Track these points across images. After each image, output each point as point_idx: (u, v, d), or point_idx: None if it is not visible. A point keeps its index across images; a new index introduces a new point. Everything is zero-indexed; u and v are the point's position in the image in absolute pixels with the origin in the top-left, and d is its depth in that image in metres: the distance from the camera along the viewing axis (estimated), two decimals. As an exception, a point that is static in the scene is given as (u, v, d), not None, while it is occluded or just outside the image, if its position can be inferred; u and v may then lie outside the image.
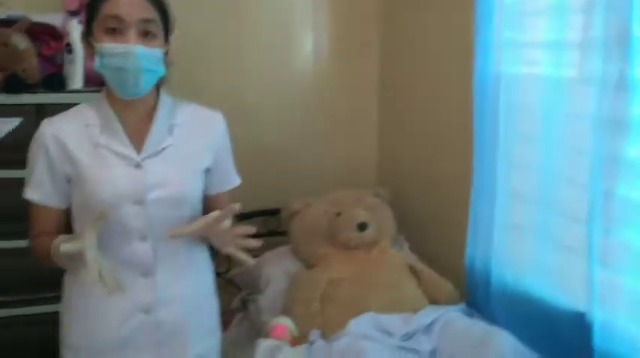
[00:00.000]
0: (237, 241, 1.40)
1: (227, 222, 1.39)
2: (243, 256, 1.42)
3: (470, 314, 2.09)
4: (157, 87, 1.52)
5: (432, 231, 2.55)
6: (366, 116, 2.98)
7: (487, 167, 2.02)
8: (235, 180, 1.66)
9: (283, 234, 2.56)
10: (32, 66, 2.05)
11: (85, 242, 1.28)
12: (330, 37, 2.87)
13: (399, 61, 2.80)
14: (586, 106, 1.64)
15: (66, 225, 1.53)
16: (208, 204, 1.60)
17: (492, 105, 1.97)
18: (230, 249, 1.41)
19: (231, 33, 2.69)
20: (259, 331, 2.15)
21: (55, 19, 2.18)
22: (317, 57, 2.87)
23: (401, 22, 2.76)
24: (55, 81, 2.11)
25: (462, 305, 2.14)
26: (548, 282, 1.84)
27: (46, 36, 2.20)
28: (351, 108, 2.94)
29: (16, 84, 2.02)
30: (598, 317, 1.64)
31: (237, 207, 1.36)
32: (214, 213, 1.39)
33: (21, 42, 2.04)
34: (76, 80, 2.14)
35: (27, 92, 2.05)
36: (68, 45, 2.12)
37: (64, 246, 1.30)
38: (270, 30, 2.76)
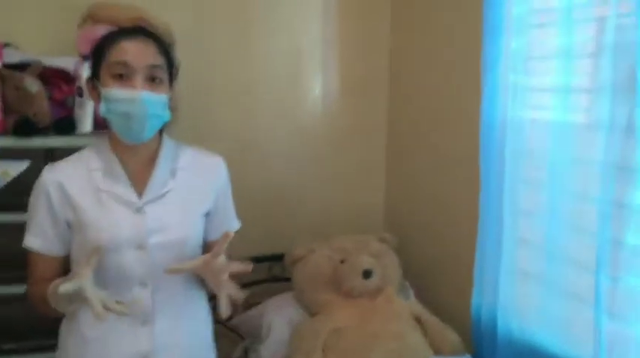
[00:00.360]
0: (227, 285, 1.37)
1: (222, 259, 1.37)
2: (225, 303, 1.37)
3: (475, 365, 2.05)
4: (160, 130, 1.53)
5: (438, 279, 2.52)
6: (374, 161, 2.98)
7: (493, 213, 2.00)
8: (235, 225, 1.66)
9: (288, 280, 2.53)
10: (43, 109, 2.07)
11: (82, 279, 1.28)
12: (339, 79, 2.89)
13: (407, 104, 2.81)
14: (593, 152, 1.63)
15: (65, 271, 1.51)
16: (208, 250, 1.59)
17: (498, 150, 1.97)
18: (221, 293, 1.38)
19: (239, 76, 2.71)
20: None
21: (67, 63, 2.21)
22: (325, 100, 2.88)
23: (409, 65, 2.78)
24: (66, 124, 2.12)
25: (466, 356, 2.09)
26: (555, 332, 1.81)
27: (57, 79, 2.23)
28: (358, 153, 2.95)
29: (26, 127, 2.04)
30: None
31: (231, 233, 1.35)
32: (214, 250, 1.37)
33: (33, 85, 2.07)
34: (86, 124, 2.15)
35: (37, 135, 2.06)
36: (79, 88, 2.14)
37: (63, 286, 1.29)
38: (278, 73, 2.78)
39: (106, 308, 1.28)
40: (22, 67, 2.12)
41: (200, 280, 1.52)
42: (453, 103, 2.42)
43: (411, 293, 2.47)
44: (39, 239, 1.48)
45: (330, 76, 2.88)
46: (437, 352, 2.14)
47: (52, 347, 1.57)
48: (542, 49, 1.85)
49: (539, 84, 1.87)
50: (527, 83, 1.90)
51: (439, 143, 2.53)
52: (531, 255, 1.89)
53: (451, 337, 2.18)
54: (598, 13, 1.63)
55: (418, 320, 2.22)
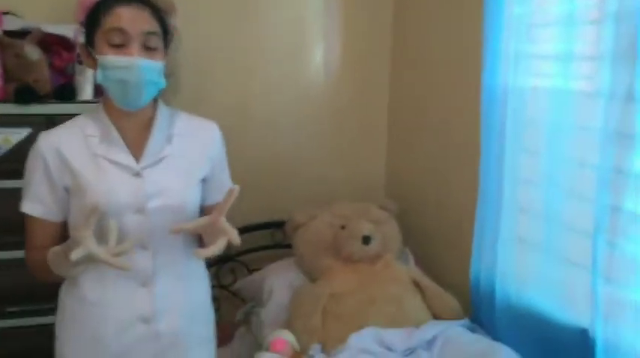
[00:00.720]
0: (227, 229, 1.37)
1: (223, 221, 1.36)
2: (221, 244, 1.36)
3: (473, 330, 2.07)
4: (155, 97, 1.53)
5: (438, 247, 2.54)
6: (375, 131, 2.98)
7: (493, 181, 2.01)
8: None
9: (290, 246, 2.55)
10: (44, 77, 2.08)
11: (88, 244, 1.28)
12: (341, 49, 2.88)
13: (409, 73, 2.80)
14: (593, 119, 1.63)
15: (62, 237, 1.52)
16: (206, 213, 1.60)
17: (499, 119, 1.96)
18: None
19: (240, 44, 2.70)
20: (261, 344, 2.15)
21: (67, 30, 2.20)
22: (327, 69, 2.87)
23: (411, 34, 2.77)
24: (66, 91, 2.13)
25: (465, 321, 2.12)
26: (553, 298, 1.83)
27: (58, 47, 2.23)
28: (360, 121, 2.95)
29: (27, 94, 2.05)
30: (602, 332, 1.61)
31: (237, 189, 1.34)
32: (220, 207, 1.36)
33: (33, 53, 2.07)
34: (87, 91, 2.17)
35: (37, 102, 2.07)
36: (79, 56, 2.14)
37: (75, 253, 1.28)
38: (279, 42, 2.77)
39: (121, 259, 1.31)
40: (22, 34, 2.13)
41: (199, 241, 1.53)
42: (455, 73, 2.40)
43: (411, 259, 2.49)
44: (37, 205, 1.48)
45: (332, 45, 2.86)
46: (436, 316, 2.16)
47: (52, 311, 1.59)
48: (544, 16, 1.83)
49: (541, 51, 1.85)
50: (528, 51, 1.88)
51: (441, 112, 2.52)
52: (530, 221, 1.90)
53: (450, 301, 2.20)
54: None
55: (417, 285, 2.24)
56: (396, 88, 2.91)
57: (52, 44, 2.22)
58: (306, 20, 2.81)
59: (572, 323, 1.75)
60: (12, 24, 2.17)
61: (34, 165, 1.48)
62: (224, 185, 1.62)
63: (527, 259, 1.91)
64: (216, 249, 1.34)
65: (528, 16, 1.87)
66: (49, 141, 1.48)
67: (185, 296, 1.56)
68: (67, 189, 1.48)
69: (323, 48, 2.86)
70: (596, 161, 1.62)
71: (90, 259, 1.30)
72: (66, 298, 1.55)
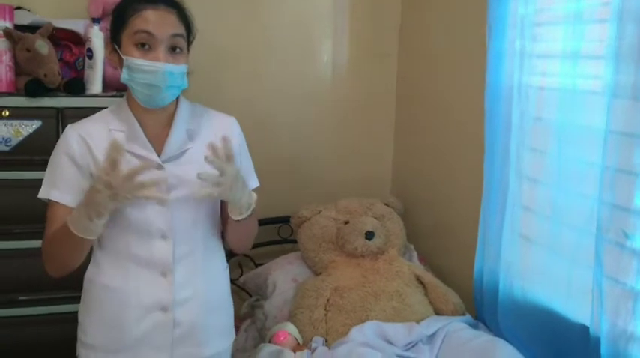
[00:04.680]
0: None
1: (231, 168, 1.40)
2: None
3: (475, 326, 2.09)
4: None
5: (442, 243, 2.56)
6: (382, 130, 3.00)
7: (498, 178, 2.01)
8: (253, 183, 1.67)
9: (296, 241, 2.57)
10: (54, 71, 2.11)
11: (119, 189, 1.31)
12: (348, 48, 2.89)
13: (416, 72, 2.81)
14: (598, 118, 1.63)
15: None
16: (225, 212, 1.63)
17: (504, 117, 1.97)
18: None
19: (248, 42, 2.73)
20: (265, 337, 2.17)
21: (77, 26, 2.24)
22: (335, 67, 2.89)
23: (418, 33, 2.78)
24: (76, 85, 2.16)
25: (467, 317, 2.13)
26: (556, 294, 1.83)
27: (68, 42, 2.26)
28: (367, 120, 2.96)
29: (37, 88, 2.08)
30: (606, 328, 1.62)
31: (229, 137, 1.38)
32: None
33: (44, 47, 2.10)
34: (96, 85, 2.20)
35: (48, 96, 2.11)
36: (89, 51, 2.17)
37: (113, 204, 1.33)
38: (287, 40, 2.79)
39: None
40: (33, 29, 2.16)
41: (219, 234, 1.58)
42: (462, 71, 2.41)
43: (415, 255, 2.50)
44: (66, 194, 1.48)
45: (340, 44, 2.88)
46: (438, 312, 2.18)
47: (64, 300, 1.60)
48: (549, 14, 1.84)
49: (545, 50, 1.86)
50: (533, 49, 1.88)
51: (447, 110, 2.53)
52: (534, 218, 1.91)
53: (452, 297, 2.22)
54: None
55: (420, 281, 2.26)
56: (403, 87, 2.93)
57: (63, 39, 2.25)
58: (314, 20, 2.83)
59: (576, 319, 1.75)
60: (23, 18, 2.20)
61: (61, 155, 1.50)
62: (245, 178, 1.63)
63: (531, 256, 1.92)
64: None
65: (532, 15, 1.88)
66: (75, 131, 1.50)
67: (204, 287, 1.58)
68: (92, 176, 1.49)
69: (331, 47, 2.88)
70: (600, 159, 1.63)
71: (119, 198, 1.32)
72: (89, 286, 1.58)
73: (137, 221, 1.49)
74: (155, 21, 1.42)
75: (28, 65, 2.10)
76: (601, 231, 1.62)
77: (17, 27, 2.15)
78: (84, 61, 2.23)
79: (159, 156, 1.51)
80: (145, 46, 1.42)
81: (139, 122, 1.52)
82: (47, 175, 1.52)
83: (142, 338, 1.52)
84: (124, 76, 1.45)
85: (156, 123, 1.53)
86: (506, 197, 1.98)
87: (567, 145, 1.77)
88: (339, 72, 2.90)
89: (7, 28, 2.08)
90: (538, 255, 1.89)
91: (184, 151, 1.54)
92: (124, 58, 1.44)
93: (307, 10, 2.81)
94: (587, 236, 1.69)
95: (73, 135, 1.50)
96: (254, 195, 1.53)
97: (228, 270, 1.71)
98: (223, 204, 1.61)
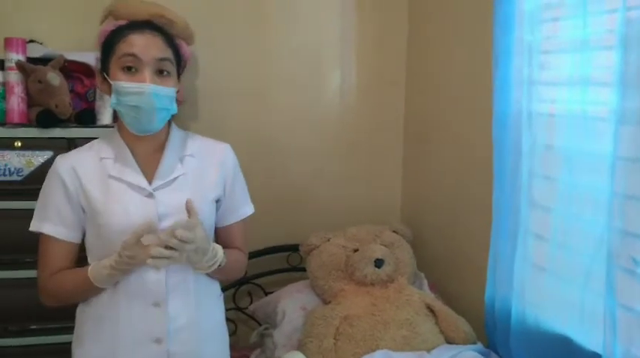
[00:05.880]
0: None
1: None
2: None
3: (486, 354, 2.06)
4: (169, 121, 1.57)
5: (452, 270, 2.53)
6: (391, 155, 3.00)
7: (508, 205, 2.00)
8: (247, 210, 1.68)
9: (305, 269, 2.56)
10: (65, 102, 2.14)
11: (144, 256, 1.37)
12: (356, 76, 2.91)
13: (424, 99, 2.82)
14: (606, 144, 1.63)
15: (77, 259, 1.55)
16: (222, 236, 1.63)
17: (514, 144, 1.96)
18: None
19: (256, 71, 2.75)
20: (275, 365, 2.16)
21: (88, 58, 2.27)
22: (342, 95, 2.91)
23: (425, 61, 2.79)
24: (86, 116, 2.19)
25: (478, 345, 2.11)
26: (568, 322, 1.81)
27: (79, 73, 2.30)
28: (376, 146, 2.97)
29: (48, 119, 2.11)
30: (618, 357, 1.60)
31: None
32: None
33: (55, 79, 2.13)
34: (106, 115, 2.22)
35: (59, 127, 2.13)
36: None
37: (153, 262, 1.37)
38: (295, 69, 2.81)
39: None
40: (45, 61, 2.19)
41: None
42: (470, 99, 2.42)
43: (425, 283, 2.48)
44: (60, 227, 1.50)
45: (348, 72, 2.90)
46: (449, 341, 2.15)
47: (60, 330, 1.60)
48: (555, 41, 1.85)
49: (553, 77, 1.86)
50: (540, 76, 1.89)
51: (456, 139, 2.53)
52: (545, 246, 1.89)
53: (462, 325, 2.19)
54: (610, 5, 1.62)
55: (430, 309, 2.24)
56: (411, 115, 2.93)
57: (74, 71, 2.29)
58: (322, 48, 2.86)
59: (589, 347, 1.73)
60: (35, 51, 2.24)
61: (53, 187, 1.51)
62: (240, 205, 1.64)
63: (543, 283, 1.90)
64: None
65: (539, 42, 1.89)
66: (65, 162, 1.51)
67: (198, 316, 1.56)
68: (83, 209, 1.51)
69: (339, 75, 2.90)
70: (610, 186, 1.62)
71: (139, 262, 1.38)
72: (81, 316, 1.57)
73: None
74: (141, 44, 1.44)
75: (39, 96, 2.13)
76: (612, 257, 1.61)
77: (29, 59, 2.18)
78: (95, 92, 2.26)
79: (150, 183, 1.51)
80: (131, 69, 1.44)
81: (131, 149, 1.52)
82: (38, 207, 1.53)
83: None
84: (113, 101, 1.46)
85: (147, 149, 1.54)
86: (518, 224, 1.97)
87: (577, 172, 1.76)
88: (347, 100, 2.91)
89: (19, 60, 2.12)
90: (550, 282, 1.87)
91: (176, 178, 1.53)
92: (112, 83, 1.45)
93: (315, 39, 2.83)
94: (598, 262, 1.67)
95: (63, 166, 1.50)
96: (219, 254, 1.51)
97: (222, 298, 1.70)
98: (217, 231, 1.62)
